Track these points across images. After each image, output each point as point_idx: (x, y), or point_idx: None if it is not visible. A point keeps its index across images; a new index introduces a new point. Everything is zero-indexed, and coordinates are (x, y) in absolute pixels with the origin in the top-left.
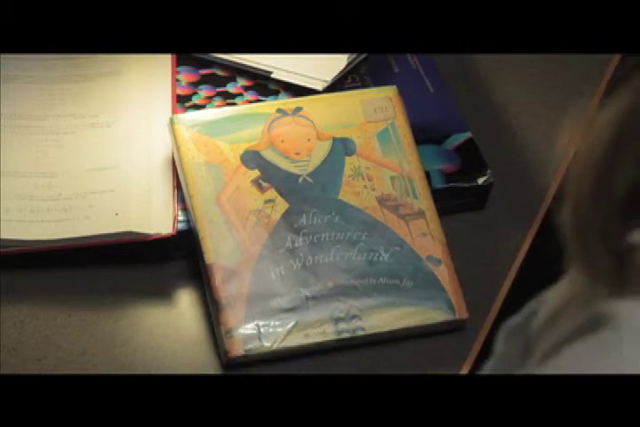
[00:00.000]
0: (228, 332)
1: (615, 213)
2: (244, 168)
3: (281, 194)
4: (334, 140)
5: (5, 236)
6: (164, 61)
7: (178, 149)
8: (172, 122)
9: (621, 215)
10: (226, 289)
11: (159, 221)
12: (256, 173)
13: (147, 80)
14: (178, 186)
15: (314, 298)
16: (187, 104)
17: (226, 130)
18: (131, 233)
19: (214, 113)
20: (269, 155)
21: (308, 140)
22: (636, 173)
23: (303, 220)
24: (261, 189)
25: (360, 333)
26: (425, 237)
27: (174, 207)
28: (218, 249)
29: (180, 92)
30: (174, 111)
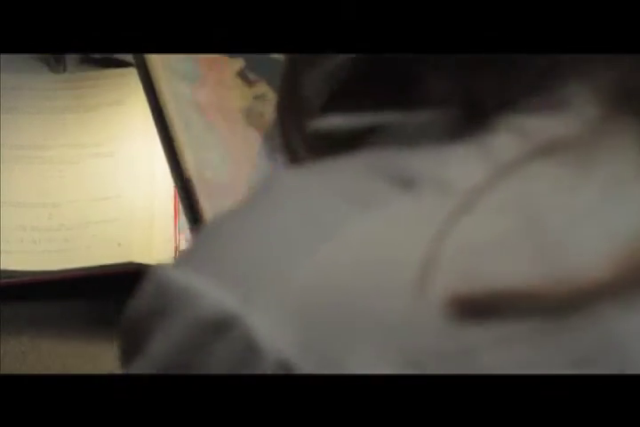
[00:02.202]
0: None
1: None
2: (226, 56)
3: (273, 88)
4: None
5: (6, 267)
6: None
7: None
8: None
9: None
10: (212, 207)
11: (161, 251)
12: (240, 62)
13: (147, 110)
14: (179, 214)
15: None
16: None
17: None
18: (132, 264)
19: None
20: None
21: None
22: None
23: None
24: (249, 83)
25: None
26: None
27: (176, 237)
28: (200, 159)
29: None
30: None
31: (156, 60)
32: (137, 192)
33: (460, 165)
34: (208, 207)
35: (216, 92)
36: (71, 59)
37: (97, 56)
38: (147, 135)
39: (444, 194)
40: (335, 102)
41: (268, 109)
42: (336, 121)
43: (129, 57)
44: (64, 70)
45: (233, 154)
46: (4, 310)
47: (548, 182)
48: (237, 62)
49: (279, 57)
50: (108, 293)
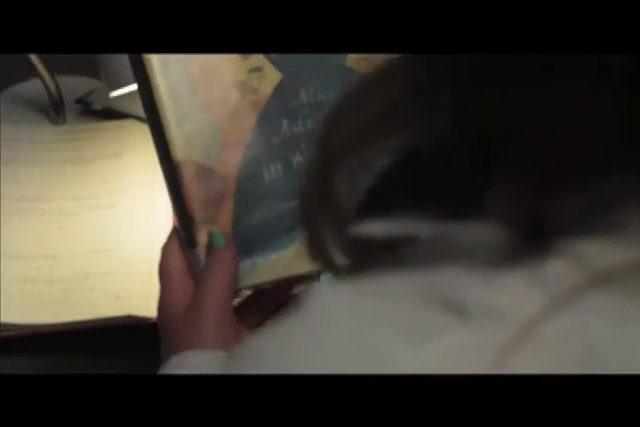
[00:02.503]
0: None
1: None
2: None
3: (270, 59)
4: None
5: (5, 319)
6: None
7: None
8: None
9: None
10: (202, 198)
11: None
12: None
13: (148, 162)
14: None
15: None
16: None
17: None
18: (131, 317)
19: None
20: None
21: None
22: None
23: (302, 96)
24: (243, 55)
25: None
26: None
27: None
28: (188, 139)
29: None
30: None
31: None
32: (136, 244)
33: (513, 291)
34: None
35: (209, 63)
36: (71, 110)
37: (97, 108)
38: (146, 187)
39: (497, 323)
40: (375, 206)
41: (265, 84)
42: (375, 228)
43: (129, 109)
44: (64, 122)
45: (226, 136)
46: (3, 363)
47: (605, 314)
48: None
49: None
50: (106, 345)
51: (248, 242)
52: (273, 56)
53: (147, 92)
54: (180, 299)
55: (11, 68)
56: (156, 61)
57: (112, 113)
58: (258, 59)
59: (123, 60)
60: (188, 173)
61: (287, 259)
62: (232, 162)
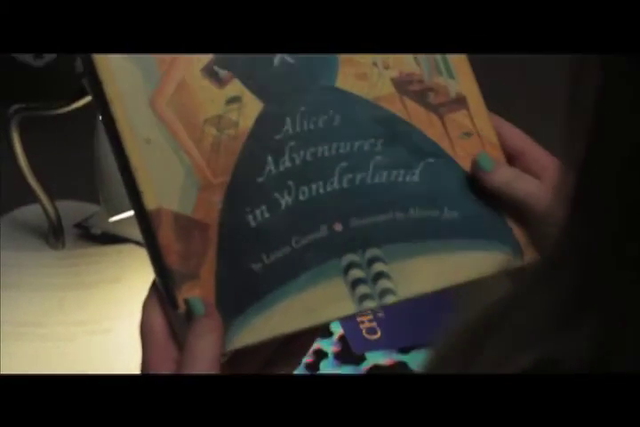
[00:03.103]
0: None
1: None
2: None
3: (249, 87)
4: None
5: None
6: None
7: None
8: None
9: None
10: (180, 250)
11: None
12: (207, 55)
13: (146, 287)
14: None
15: (315, 250)
16: None
17: None
18: None
19: None
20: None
21: None
22: None
23: (287, 126)
24: (219, 82)
25: (391, 299)
26: (470, 139)
27: None
28: (162, 186)
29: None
30: None
31: (105, 61)
32: (133, 369)
33: None
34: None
35: (181, 98)
36: (70, 235)
37: (96, 232)
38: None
39: None
40: None
41: (244, 115)
42: None
43: (128, 233)
44: (63, 247)
45: (203, 179)
46: None
47: None
48: (204, 56)
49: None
50: None
51: (236, 298)
52: (252, 83)
53: (112, 135)
54: (162, 363)
55: (10, 193)
56: (119, 100)
57: (111, 238)
58: (235, 87)
59: (121, 187)
60: (163, 224)
61: (281, 315)
62: (212, 208)
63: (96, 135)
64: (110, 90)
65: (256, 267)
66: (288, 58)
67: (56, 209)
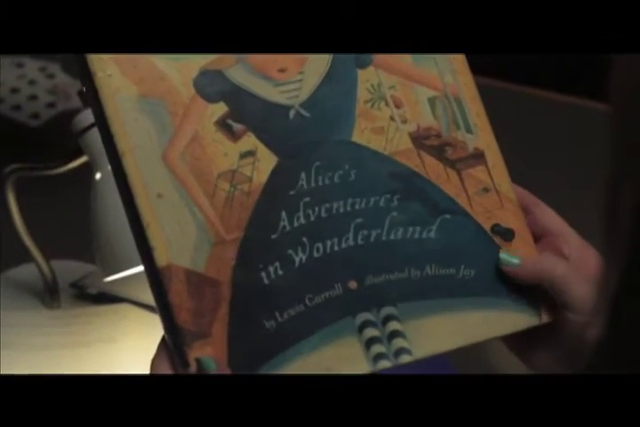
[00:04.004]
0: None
1: None
2: (201, 102)
3: (264, 141)
4: None
5: None
6: (159, 328)
7: (93, 76)
8: None
9: None
10: (192, 308)
11: None
12: (222, 107)
13: (143, 346)
14: None
15: (329, 308)
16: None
17: None
18: None
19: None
20: (239, 75)
21: None
22: None
23: (302, 181)
24: (233, 136)
25: (406, 359)
26: (487, 195)
27: None
28: (173, 242)
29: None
30: None
31: (117, 113)
32: None
33: None
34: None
35: (194, 151)
36: (65, 294)
37: (92, 292)
38: (140, 372)
39: None
40: None
41: (259, 170)
42: None
43: (122, 293)
44: (58, 306)
45: (216, 235)
46: None
47: None
48: (219, 108)
49: (263, 97)
50: None
51: (248, 357)
52: (266, 137)
53: (123, 189)
54: None
55: (6, 252)
56: (131, 154)
57: (107, 297)
58: (249, 141)
59: (117, 247)
60: (174, 281)
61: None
62: (225, 265)
63: (92, 196)
64: (122, 143)
65: (269, 325)
66: (303, 111)
67: (52, 269)
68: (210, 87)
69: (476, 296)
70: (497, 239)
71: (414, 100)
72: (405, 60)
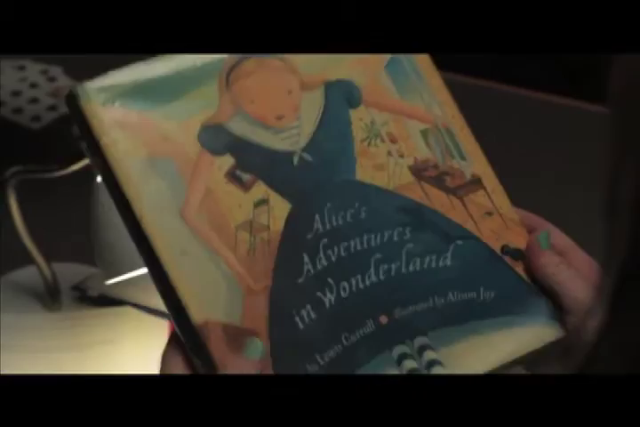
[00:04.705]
0: None
1: None
2: (208, 156)
3: (274, 187)
4: (327, 86)
5: None
6: (159, 330)
7: (98, 142)
8: (75, 97)
9: None
10: (236, 364)
11: None
12: (228, 160)
13: (144, 349)
14: None
15: (366, 345)
16: None
17: (163, 98)
18: None
19: (138, 72)
20: (239, 127)
21: (290, 92)
22: None
23: (317, 224)
24: (244, 186)
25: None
26: (492, 218)
27: None
28: (205, 298)
29: None
30: None
31: (129, 178)
32: None
33: None
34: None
35: (209, 206)
36: (66, 297)
37: (93, 295)
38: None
39: None
40: None
41: (274, 217)
42: None
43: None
44: (59, 309)
45: (245, 286)
46: None
47: None
48: (226, 161)
49: (266, 146)
50: None
51: None
52: (276, 184)
53: (146, 250)
54: None
55: (7, 255)
56: (150, 215)
57: (108, 300)
58: (260, 189)
59: (118, 250)
60: (212, 337)
61: None
62: (259, 314)
63: (93, 198)
64: (139, 207)
65: (312, 369)
66: (306, 155)
67: (53, 271)
68: (214, 141)
69: (500, 316)
70: (507, 259)
71: (407, 134)
72: (393, 96)
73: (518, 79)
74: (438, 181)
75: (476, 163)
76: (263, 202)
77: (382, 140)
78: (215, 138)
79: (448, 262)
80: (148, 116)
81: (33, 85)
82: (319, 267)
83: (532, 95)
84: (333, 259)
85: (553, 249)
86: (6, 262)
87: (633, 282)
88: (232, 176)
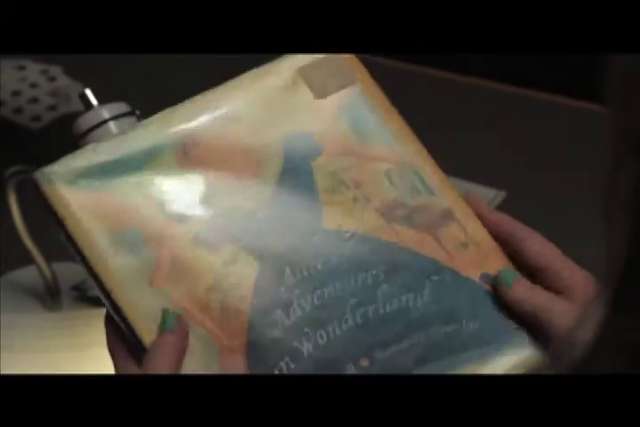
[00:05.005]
0: None
1: None
2: (173, 223)
3: (241, 246)
4: (286, 139)
5: None
6: None
7: (63, 220)
8: (37, 181)
9: None
10: None
11: None
12: (194, 225)
13: None
14: None
15: None
16: None
17: (123, 174)
18: None
19: (95, 152)
20: (201, 191)
21: (248, 151)
22: None
23: (288, 276)
24: (211, 248)
25: None
26: (467, 250)
27: None
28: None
29: None
30: None
31: (93, 247)
32: None
33: None
34: None
35: (179, 272)
36: (66, 297)
37: (93, 295)
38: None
39: None
40: None
41: (244, 275)
42: None
43: None
44: (59, 309)
45: (220, 346)
46: None
47: None
48: (191, 226)
49: (229, 206)
50: None
51: None
52: (244, 242)
53: (122, 320)
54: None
55: (7, 255)
56: (120, 291)
57: None
58: (228, 250)
59: None
60: None
61: None
62: (238, 370)
63: None
64: (108, 281)
65: None
66: (269, 211)
67: (53, 271)
68: (177, 207)
69: (486, 346)
70: (487, 286)
71: (371, 176)
72: (351, 141)
73: (518, 78)
74: (408, 219)
75: (444, 195)
76: (232, 262)
77: (347, 187)
78: (178, 204)
79: (426, 299)
80: (111, 193)
81: (33, 85)
82: (293, 318)
83: (533, 95)
84: (307, 309)
85: (528, 268)
86: (6, 262)
87: (633, 283)
88: (198, 241)
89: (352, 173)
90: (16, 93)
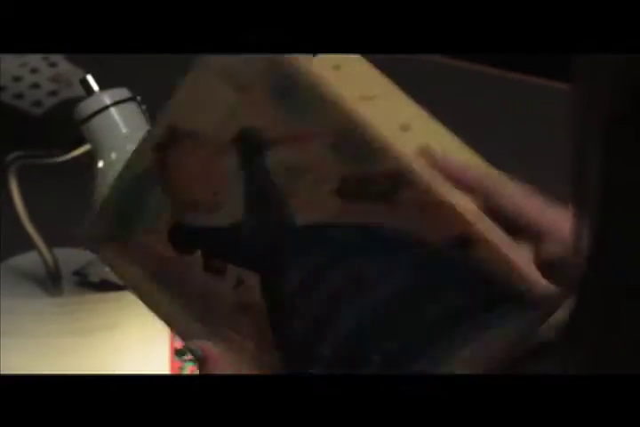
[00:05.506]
0: None
1: None
2: (182, 257)
3: (239, 264)
4: (238, 143)
5: None
6: None
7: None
8: None
9: None
10: None
11: None
12: (198, 254)
13: (144, 334)
14: None
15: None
16: (184, 357)
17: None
18: None
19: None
20: (196, 219)
21: (212, 168)
22: None
23: (293, 279)
24: (219, 273)
25: None
26: (433, 207)
27: None
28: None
29: (178, 345)
30: (172, 366)
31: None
32: None
33: None
34: None
35: (197, 307)
36: (68, 282)
37: (94, 280)
38: (141, 360)
39: None
40: None
41: (255, 290)
42: None
43: None
44: (60, 294)
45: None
46: None
47: None
48: (197, 256)
49: (218, 226)
50: None
51: None
52: (239, 259)
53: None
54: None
55: (8, 240)
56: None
57: (109, 285)
58: (233, 272)
59: None
60: None
61: None
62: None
63: (94, 184)
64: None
65: None
66: (248, 222)
67: (54, 256)
68: (184, 242)
69: (479, 316)
70: (460, 252)
71: (319, 157)
72: (288, 123)
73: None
74: (364, 190)
75: (393, 156)
76: (239, 282)
77: (301, 175)
78: (182, 238)
79: (411, 277)
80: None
81: (34, 71)
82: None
83: (536, 81)
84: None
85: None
86: (7, 248)
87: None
88: (209, 268)
89: (301, 158)
90: (17, 79)
